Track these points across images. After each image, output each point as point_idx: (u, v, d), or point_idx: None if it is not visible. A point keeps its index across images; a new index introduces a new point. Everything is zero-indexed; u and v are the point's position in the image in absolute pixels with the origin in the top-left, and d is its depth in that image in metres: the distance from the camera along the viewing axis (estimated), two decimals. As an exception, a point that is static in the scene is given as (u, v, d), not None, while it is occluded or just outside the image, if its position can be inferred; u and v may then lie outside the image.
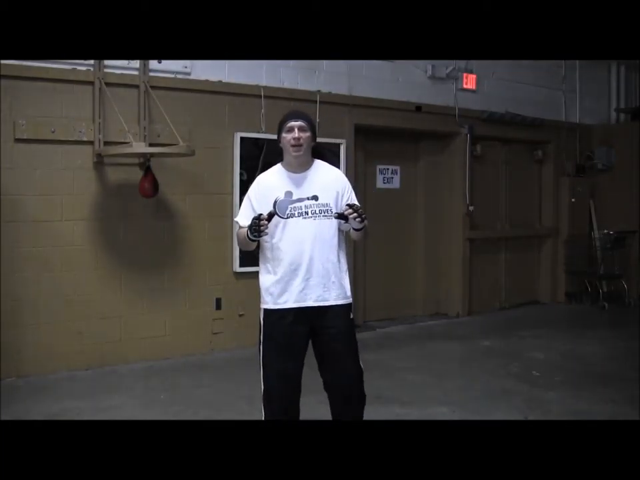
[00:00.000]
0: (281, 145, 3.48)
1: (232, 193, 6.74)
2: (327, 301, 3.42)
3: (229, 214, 6.73)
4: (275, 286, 3.40)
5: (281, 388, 3.42)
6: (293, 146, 3.39)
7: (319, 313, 3.41)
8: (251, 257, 6.81)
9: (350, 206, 3.29)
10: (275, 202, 3.36)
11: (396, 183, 8.46)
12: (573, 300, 9.68)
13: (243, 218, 3.46)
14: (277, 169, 3.51)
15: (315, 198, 3.40)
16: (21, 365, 5.68)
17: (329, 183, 3.48)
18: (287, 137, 3.40)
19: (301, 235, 3.38)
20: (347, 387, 3.47)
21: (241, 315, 6.79)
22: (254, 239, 3.32)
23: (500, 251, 9.31)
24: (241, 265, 6.75)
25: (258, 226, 3.24)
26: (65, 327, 5.90)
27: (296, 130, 3.38)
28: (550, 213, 9.78)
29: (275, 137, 7.22)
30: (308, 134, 3.42)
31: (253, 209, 3.42)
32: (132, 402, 5.12)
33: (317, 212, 3.39)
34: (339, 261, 3.47)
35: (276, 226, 3.36)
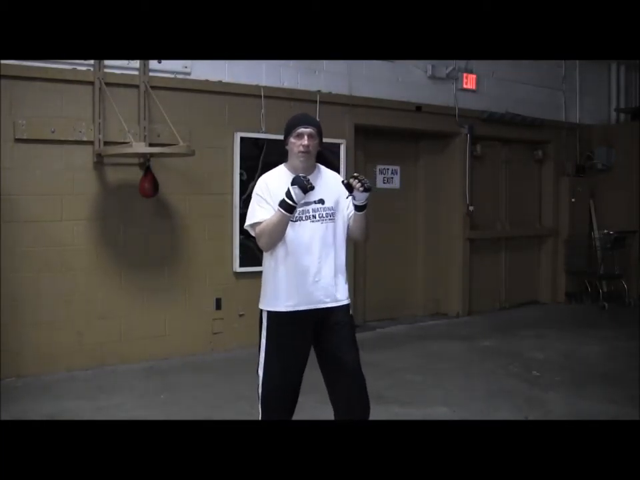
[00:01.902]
0: (287, 147, 3.46)
1: (232, 193, 6.74)
2: (335, 301, 3.44)
3: (228, 214, 6.74)
4: (284, 288, 3.39)
5: (282, 392, 3.41)
6: (301, 152, 3.39)
7: (326, 313, 3.42)
8: (252, 256, 6.89)
9: (355, 176, 3.29)
10: None
11: (396, 183, 8.46)
12: (573, 300, 9.68)
13: (258, 217, 3.37)
14: (282, 171, 3.47)
15: (322, 202, 3.41)
16: (20, 365, 5.68)
17: (332, 187, 3.47)
18: (295, 142, 3.40)
19: (310, 238, 3.39)
20: (346, 384, 3.45)
21: (241, 315, 6.79)
22: (298, 200, 3.22)
23: (500, 250, 9.31)
24: (241, 265, 6.76)
25: (306, 180, 3.20)
26: (64, 327, 5.90)
27: (305, 137, 3.38)
28: (550, 213, 9.78)
29: (275, 137, 7.25)
30: (316, 141, 3.43)
31: (269, 204, 3.36)
32: (132, 402, 5.12)
33: (324, 215, 3.42)
34: (342, 262, 3.49)
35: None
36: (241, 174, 6.75)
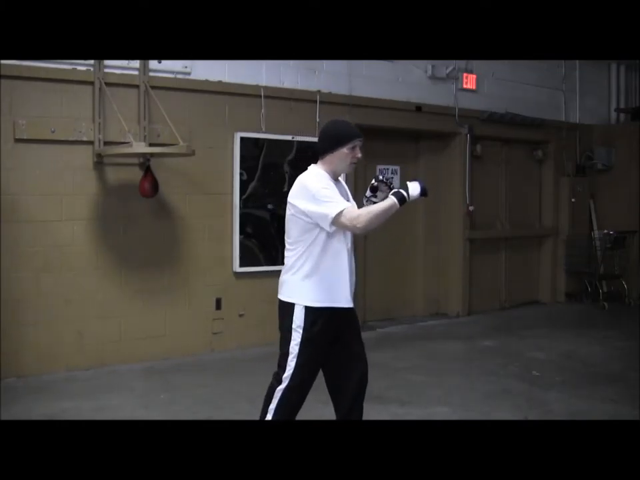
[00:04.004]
0: (332, 153, 3.48)
1: (232, 193, 6.74)
2: (353, 302, 3.57)
3: (228, 214, 6.74)
4: (340, 284, 3.45)
5: (304, 391, 3.46)
6: (354, 164, 3.56)
7: (351, 312, 3.56)
8: (252, 256, 6.89)
9: (380, 180, 3.48)
10: None
11: (396, 183, 8.41)
12: (573, 300, 9.68)
13: (344, 203, 3.36)
14: (325, 174, 3.49)
15: None
16: (20, 365, 5.68)
17: (348, 191, 3.64)
18: (348, 153, 3.48)
19: (347, 239, 3.49)
20: (360, 381, 3.52)
21: (240, 315, 6.79)
22: (413, 199, 3.39)
23: (500, 250, 9.31)
24: (241, 265, 6.76)
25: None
26: (65, 327, 5.90)
27: (359, 150, 3.51)
28: (550, 213, 9.78)
29: (275, 137, 7.23)
30: None
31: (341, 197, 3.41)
32: (132, 402, 5.12)
33: None
34: None
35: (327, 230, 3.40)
36: (241, 174, 6.75)
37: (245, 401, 4.99)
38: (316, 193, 3.36)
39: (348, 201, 3.48)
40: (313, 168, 3.53)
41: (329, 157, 3.49)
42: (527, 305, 9.48)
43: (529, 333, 7.70)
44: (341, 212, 3.30)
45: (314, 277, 3.42)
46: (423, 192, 3.39)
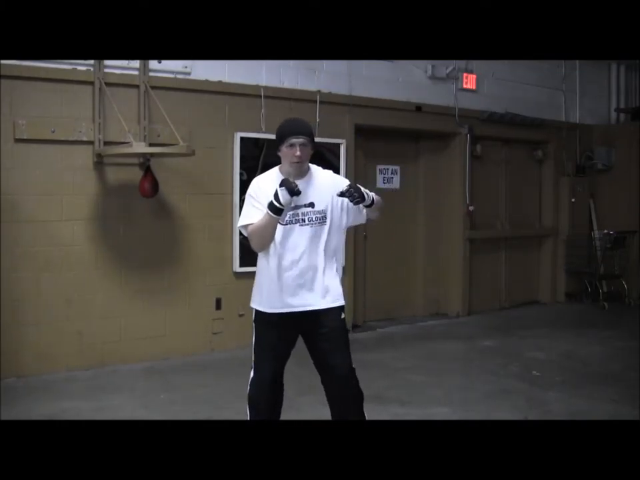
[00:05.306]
0: (279, 154, 3.46)
1: (232, 193, 6.74)
2: (322, 304, 3.46)
3: (228, 214, 6.74)
4: (269, 290, 3.47)
5: (269, 392, 3.56)
6: (294, 163, 3.40)
7: (313, 316, 3.46)
8: (252, 256, 6.83)
9: (344, 192, 3.34)
10: None
11: (396, 183, 8.46)
12: (573, 300, 9.68)
13: (251, 218, 3.41)
14: (275, 175, 3.47)
15: (312, 205, 3.42)
16: (20, 365, 5.68)
17: (325, 189, 3.48)
18: (287, 152, 3.40)
19: (297, 241, 3.42)
20: (337, 386, 3.50)
21: (240, 315, 6.79)
22: (285, 202, 3.24)
23: (500, 250, 9.31)
24: (241, 265, 6.76)
25: (292, 184, 3.23)
26: (65, 327, 5.90)
27: (298, 148, 3.37)
28: (550, 213, 9.78)
29: (275, 137, 7.24)
30: (308, 148, 3.42)
31: (262, 206, 3.38)
32: (132, 402, 5.12)
33: (313, 219, 3.43)
34: (331, 266, 3.50)
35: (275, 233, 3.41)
36: (240, 174, 6.75)
37: (245, 401, 4.99)
38: (246, 197, 3.50)
39: (313, 201, 3.42)
40: (273, 168, 3.55)
41: (281, 157, 3.48)
42: (527, 305, 9.48)
43: (529, 333, 7.70)
44: (243, 226, 3.45)
45: (257, 280, 3.58)
46: (291, 192, 3.24)
